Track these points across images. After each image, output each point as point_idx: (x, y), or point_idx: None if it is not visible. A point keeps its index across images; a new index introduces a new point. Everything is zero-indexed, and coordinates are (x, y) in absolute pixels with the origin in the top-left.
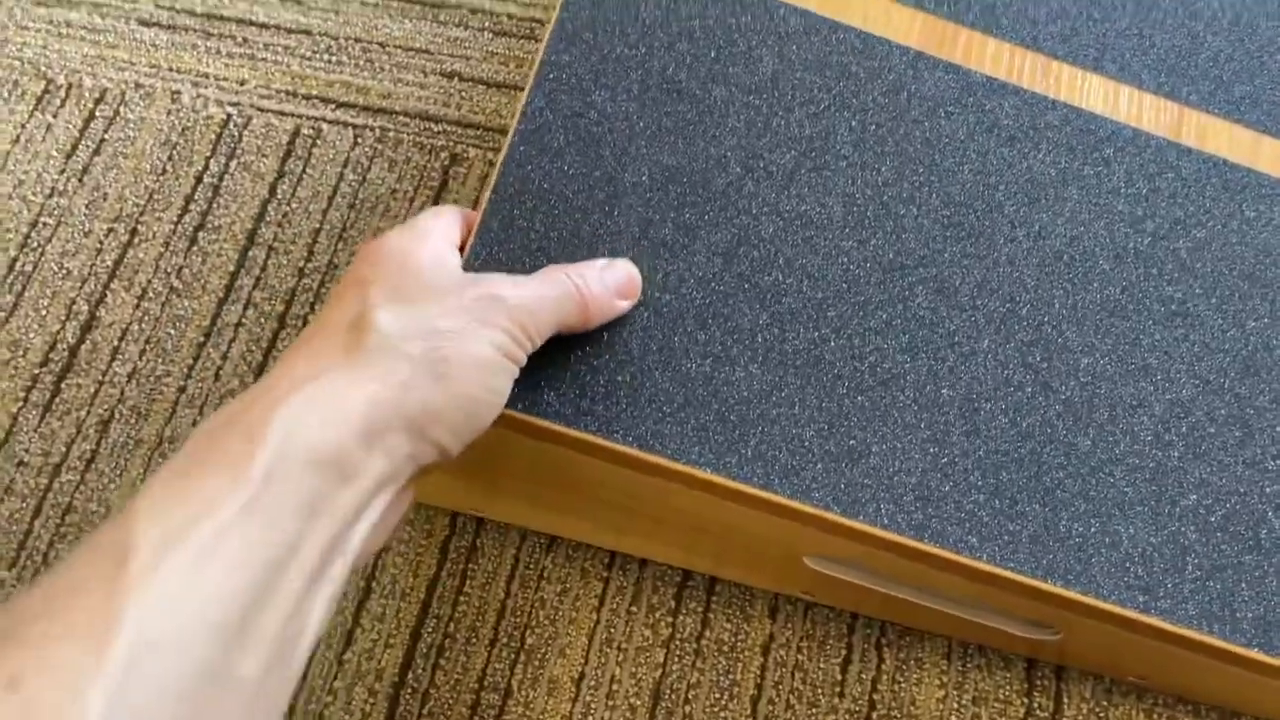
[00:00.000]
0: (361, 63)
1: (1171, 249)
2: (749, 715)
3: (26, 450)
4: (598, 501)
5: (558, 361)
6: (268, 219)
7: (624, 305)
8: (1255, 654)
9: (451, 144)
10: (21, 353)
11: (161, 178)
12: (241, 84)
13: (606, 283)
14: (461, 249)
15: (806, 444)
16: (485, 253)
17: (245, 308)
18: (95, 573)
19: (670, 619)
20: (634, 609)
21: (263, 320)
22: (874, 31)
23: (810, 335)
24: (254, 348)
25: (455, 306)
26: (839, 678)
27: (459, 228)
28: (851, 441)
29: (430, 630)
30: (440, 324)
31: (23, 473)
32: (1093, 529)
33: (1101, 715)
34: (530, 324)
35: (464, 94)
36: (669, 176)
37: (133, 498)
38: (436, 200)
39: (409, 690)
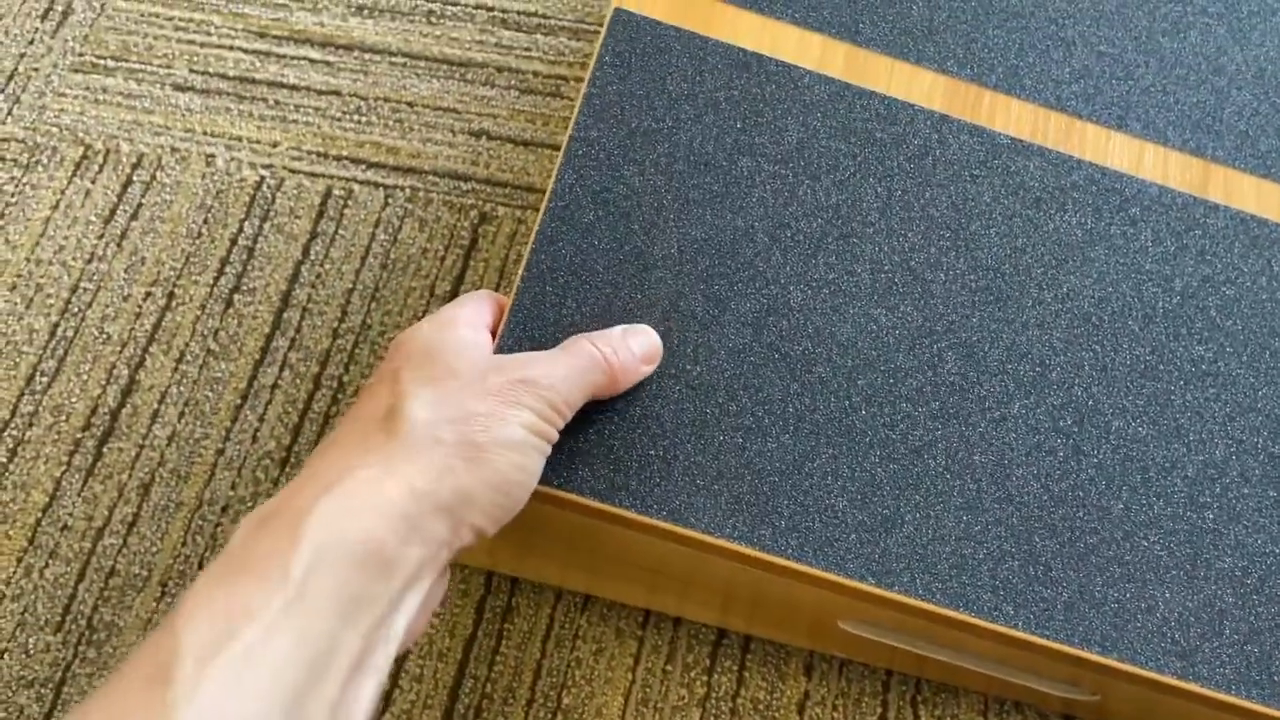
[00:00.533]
0: (391, 122)
1: (1201, 307)
2: None
3: (70, 514)
4: (631, 566)
5: (590, 436)
6: (301, 280)
7: (648, 370)
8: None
9: (481, 202)
10: (64, 417)
11: (197, 241)
12: (274, 146)
13: (632, 348)
14: (494, 330)
15: (840, 514)
16: (520, 331)
17: (281, 369)
18: (141, 687)
19: (705, 677)
20: (669, 668)
21: (298, 381)
22: (898, 96)
23: (841, 404)
24: (290, 409)
25: (484, 390)
26: None
27: (488, 311)
28: (885, 511)
29: (468, 691)
30: (471, 408)
31: (67, 536)
32: (1128, 594)
33: None
34: (559, 400)
35: (492, 152)
36: (698, 249)
37: (177, 603)
38: (467, 259)
39: None
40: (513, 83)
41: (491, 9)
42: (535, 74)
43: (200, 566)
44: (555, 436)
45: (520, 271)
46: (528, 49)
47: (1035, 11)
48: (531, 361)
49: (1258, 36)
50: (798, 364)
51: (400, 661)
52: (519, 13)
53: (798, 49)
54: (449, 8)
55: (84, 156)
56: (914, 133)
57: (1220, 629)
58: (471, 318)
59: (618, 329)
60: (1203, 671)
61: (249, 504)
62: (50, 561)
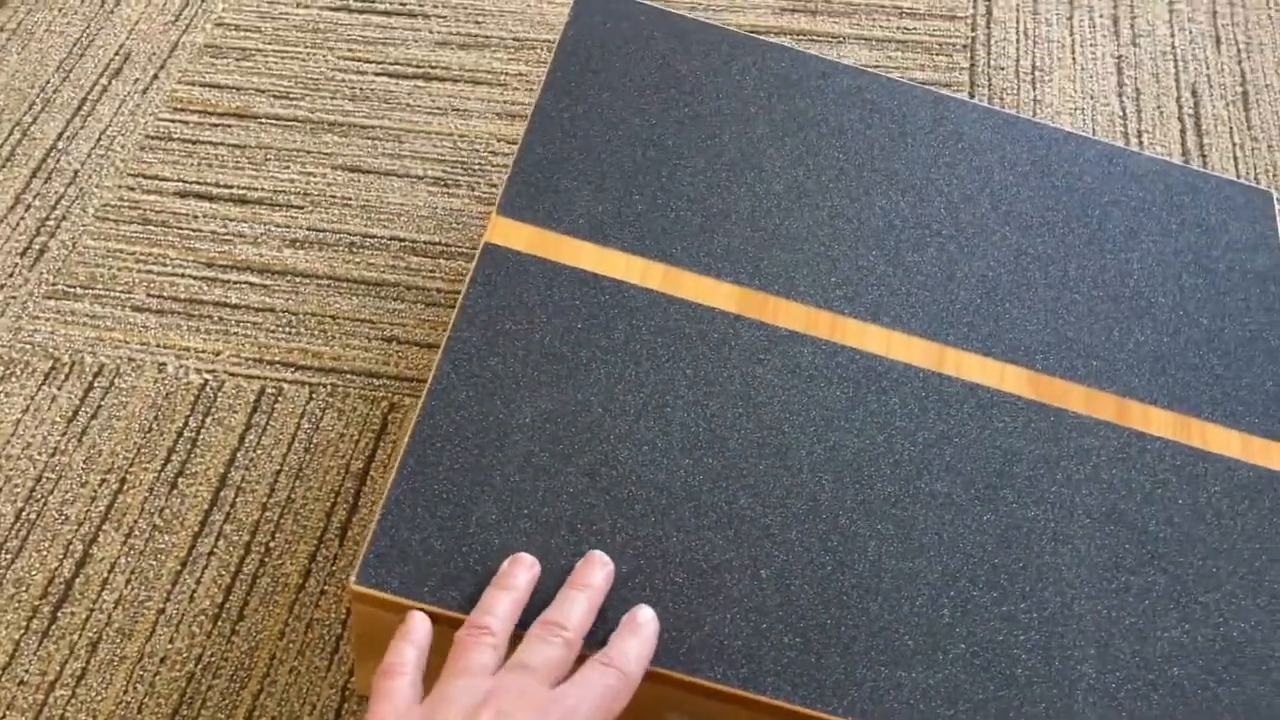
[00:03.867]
0: (316, 332)
1: (938, 454)
2: None
3: (27, 671)
4: None
5: (453, 562)
6: (237, 464)
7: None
8: None
9: (390, 394)
10: (24, 588)
11: (148, 434)
12: (217, 354)
13: (643, 656)
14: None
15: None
16: (410, 490)
17: (217, 539)
18: None
19: None
20: None
21: (231, 549)
22: (702, 302)
23: (657, 534)
24: (224, 572)
25: None
26: None
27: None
28: (690, 615)
29: None
30: None
31: (23, 690)
32: (882, 675)
33: None
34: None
35: (400, 354)
36: (547, 418)
37: None
38: (378, 440)
39: None
40: (419, 298)
41: (403, 240)
42: (438, 290)
43: (139, 711)
44: None
45: (406, 439)
46: (432, 271)
47: (808, 235)
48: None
49: (981, 250)
50: (623, 503)
51: None
52: (425, 242)
53: (626, 269)
54: (368, 239)
55: (52, 368)
56: (714, 329)
57: (956, 700)
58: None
59: (628, 638)
60: None
61: (184, 655)
62: (7, 713)
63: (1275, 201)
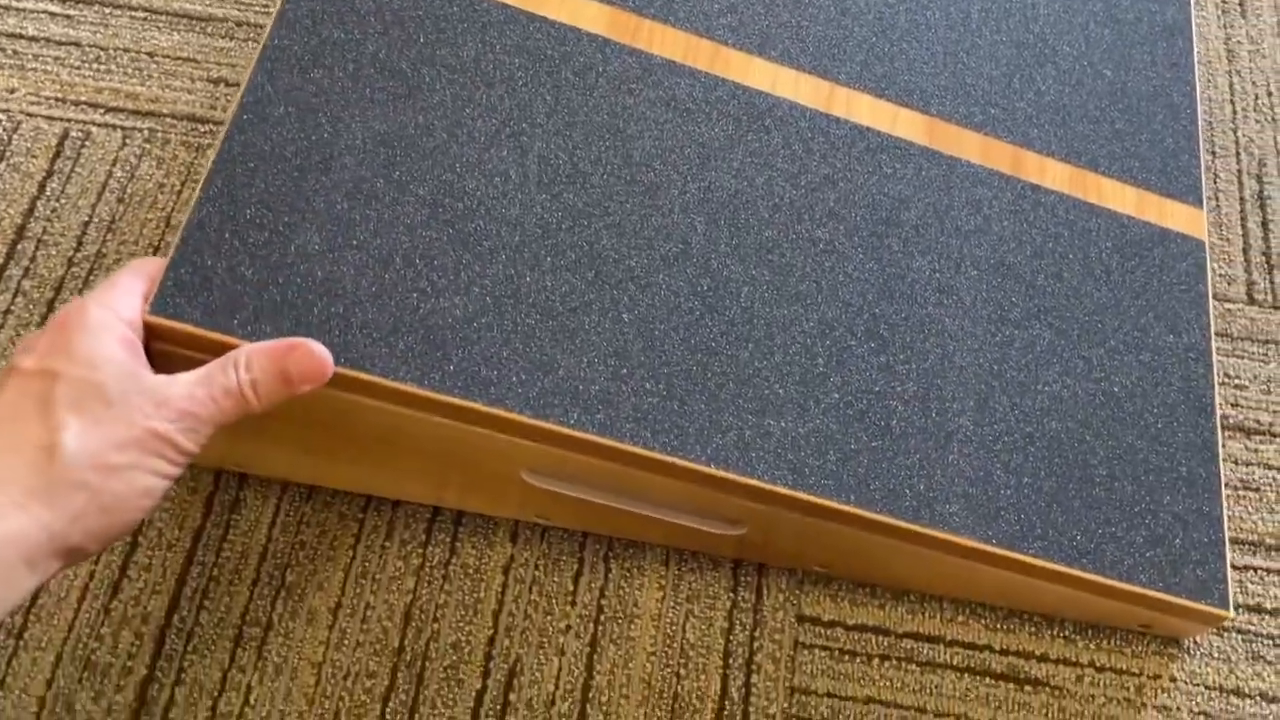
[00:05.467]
0: (130, 71)
1: (821, 199)
2: (490, 628)
3: None
4: (339, 440)
5: (268, 293)
6: (36, 214)
7: (308, 388)
8: (884, 518)
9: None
10: None
11: None
12: (11, 92)
13: (287, 372)
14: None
15: (503, 362)
16: (217, 212)
17: (15, 295)
18: None
19: (421, 550)
20: (387, 544)
21: (32, 306)
22: (567, 22)
23: (508, 272)
24: (24, 332)
25: (129, 435)
26: (571, 589)
27: (145, 281)
28: (543, 358)
29: (195, 575)
30: (115, 460)
31: None
32: (749, 423)
33: (795, 601)
34: (193, 444)
35: (229, 97)
36: (380, 141)
37: None
38: None
39: (174, 630)
40: (250, 35)
41: None
42: None
43: None
44: (180, 473)
45: (213, 156)
46: (265, 5)
47: None
48: (174, 398)
49: None
50: (470, 238)
51: (128, 552)
52: None
53: None
54: None
55: None
56: (579, 52)
57: (826, 451)
58: (130, 286)
59: (281, 345)
60: (812, 483)
61: None
62: None
63: None
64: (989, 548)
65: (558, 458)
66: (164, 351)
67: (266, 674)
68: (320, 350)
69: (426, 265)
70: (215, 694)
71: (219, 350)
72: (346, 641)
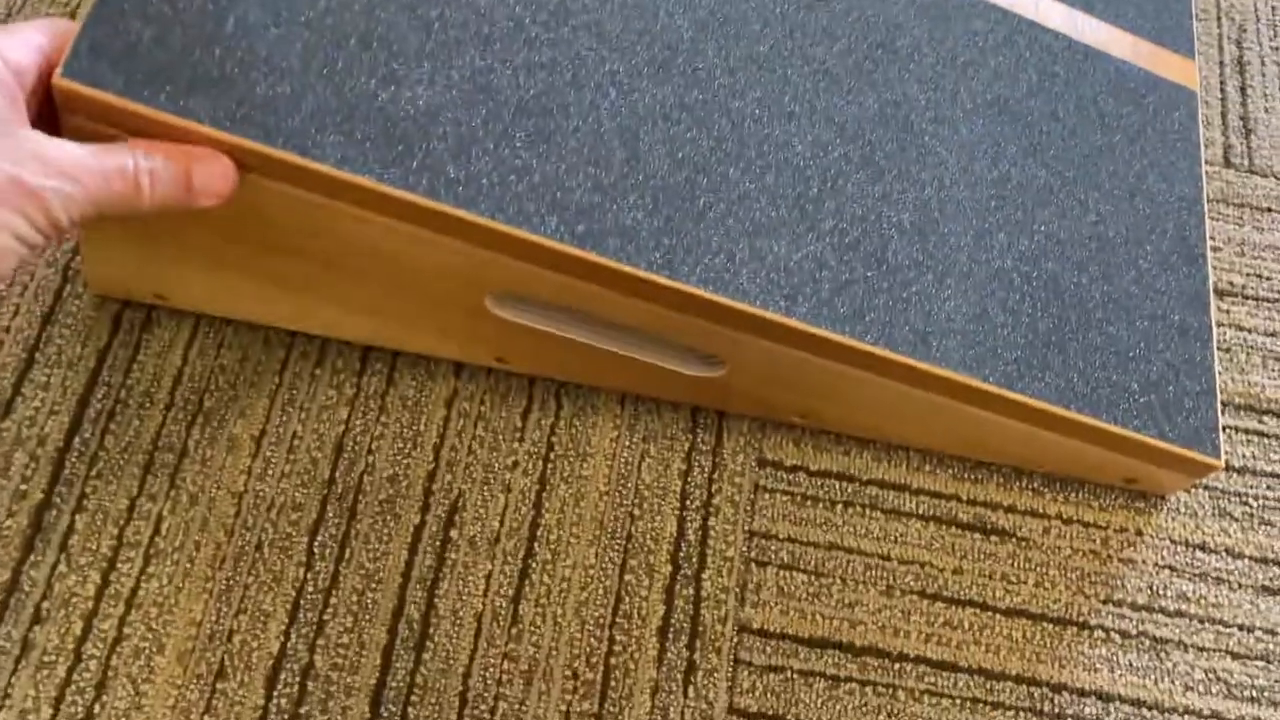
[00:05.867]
0: None
1: (814, 16)
2: (431, 462)
3: None
4: (265, 248)
5: (202, 65)
6: None
7: (206, 203)
8: (882, 351)
9: None
10: None
11: None
12: None
13: (190, 176)
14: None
15: (473, 160)
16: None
17: None
18: None
19: (355, 380)
20: (318, 371)
21: None
22: None
23: (477, 64)
24: None
25: None
26: (519, 424)
27: (53, 35)
28: (517, 161)
29: (100, 397)
30: None
31: None
32: (740, 245)
33: (756, 445)
34: (63, 216)
35: None
36: None
37: None
38: None
39: (75, 454)
40: None
41: None
42: None
43: None
44: (42, 245)
45: None
46: None
47: None
48: (42, 153)
49: None
50: (434, 23)
51: (22, 370)
52: None
53: None
54: None
55: None
56: None
57: (820, 278)
58: (29, 38)
59: (191, 148)
60: (804, 311)
61: None
62: None
63: None
64: (988, 387)
65: (530, 275)
66: (76, 126)
67: (180, 503)
68: (230, 167)
69: (385, 50)
70: (121, 522)
71: (144, 131)
72: (271, 472)
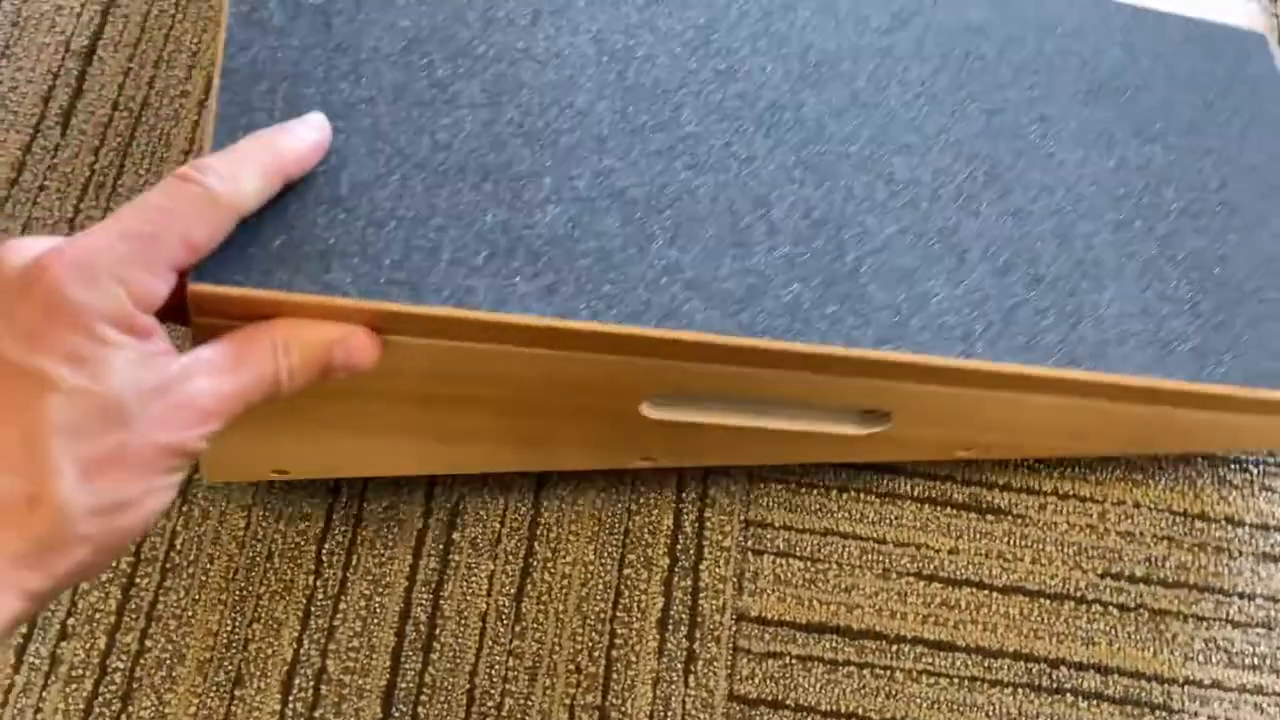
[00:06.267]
0: None
1: (897, 40)
2: None
3: None
4: (402, 401)
5: (336, 230)
6: None
7: (339, 377)
8: (1064, 373)
9: None
10: None
11: None
12: None
13: (332, 362)
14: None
15: (624, 272)
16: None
17: None
18: None
19: None
20: None
21: None
22: None
23: (597, 168)
24: None
25: (142, 463)
26: None
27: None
28: (663, 262)
29: None
30: (125, 494)
31: None
32: (900, 295)
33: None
34: (209, 441)
35: None
36: (411, 38)
37: None
38: (105, 14)
39: None
40: None
41: None
42: None
43: None
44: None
45: (216, 79)
46: None
47: None
48: (197, 397)
49: None
50: (544, 136)
51: None
52: None
53: None
54: None
55: None
56: None
57: (985, 309)
58: (149, 264)
59: (332, 331)
60: (979, 349)
61: None
62: None
63: None
64: (1179, 385)
65: (693, 373)
66: (207, 325)
67: (193, 518)
68: (370, 339)
69: (504, 174)
70: (138, 540)
71: (271, 312)
72: (277, 484)
